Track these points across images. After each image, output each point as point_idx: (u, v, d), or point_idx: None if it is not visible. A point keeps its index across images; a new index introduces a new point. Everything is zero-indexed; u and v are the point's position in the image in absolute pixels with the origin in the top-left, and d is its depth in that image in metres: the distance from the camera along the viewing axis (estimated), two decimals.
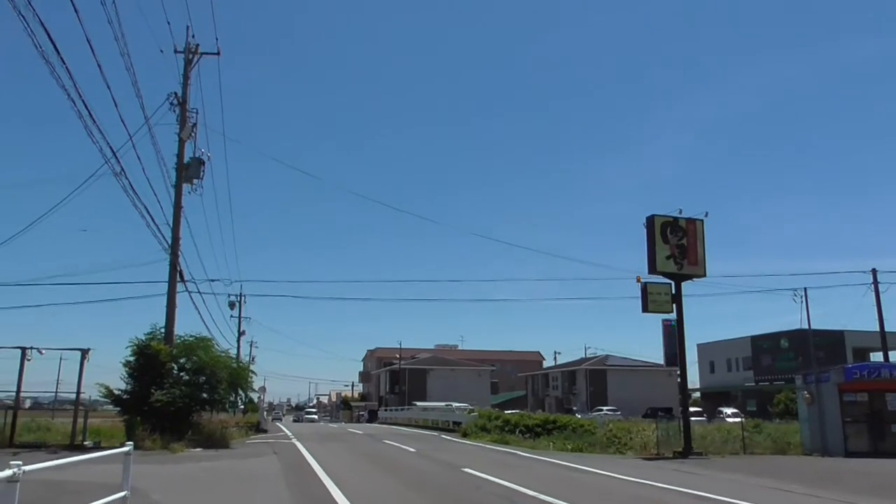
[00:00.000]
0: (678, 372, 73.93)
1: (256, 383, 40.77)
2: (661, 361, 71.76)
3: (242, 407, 50.55)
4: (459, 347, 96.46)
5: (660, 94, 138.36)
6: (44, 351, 18.75)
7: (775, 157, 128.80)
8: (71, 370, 33.98)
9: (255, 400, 55.90)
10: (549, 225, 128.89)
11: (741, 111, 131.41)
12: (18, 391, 18.11)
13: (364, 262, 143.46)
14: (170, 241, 21.09)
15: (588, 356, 78.00)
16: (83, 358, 17.81)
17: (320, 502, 9.44)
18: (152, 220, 18.89)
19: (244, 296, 49.44)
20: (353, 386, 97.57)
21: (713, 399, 61.53)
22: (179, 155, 22.02)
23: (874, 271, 28.38)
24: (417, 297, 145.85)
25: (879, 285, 27.39)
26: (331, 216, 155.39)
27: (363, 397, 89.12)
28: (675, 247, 21.64)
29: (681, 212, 21.70)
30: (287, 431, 32.86)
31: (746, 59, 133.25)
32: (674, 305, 21.18)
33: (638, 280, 21.55)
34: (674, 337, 21.64)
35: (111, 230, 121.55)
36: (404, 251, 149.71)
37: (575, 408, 60.55)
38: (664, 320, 22.08)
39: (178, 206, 21.82)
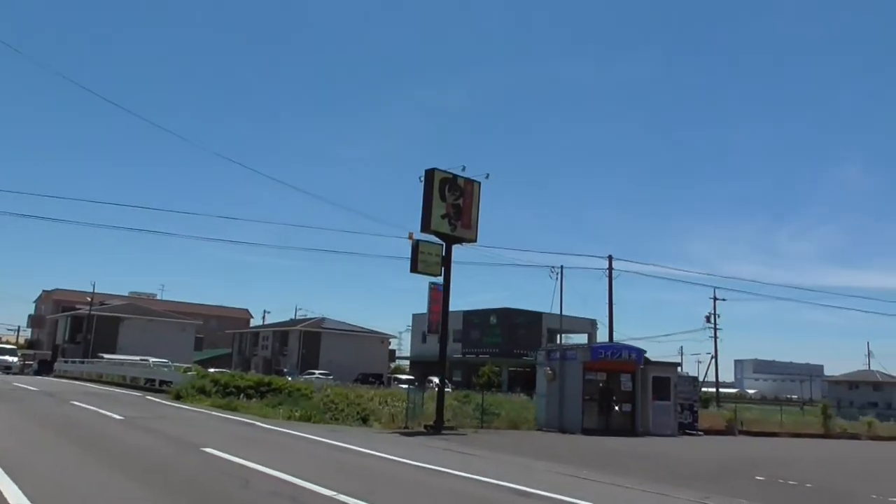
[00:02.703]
0: (394, 340, 72.80)
1: None
2: (377, 329, 72.97)
3: None
4: (159, 297, 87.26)
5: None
6: None
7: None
8: None
9: None
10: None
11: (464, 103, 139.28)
12: None
13: (62, 174, 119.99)
14: None
15: (300, 318, 75.70)
16: None
17: None
18: None
19: None
20: (18, 330, 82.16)
21: (422, 368, 63.47)
22: None
23: (610, 257, 30.62)
24: (119, 226, 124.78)
25: (613, 271, 29.63)
26: (39, 109, 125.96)
27: (31, 345, 75.27)
28: (451, 206, 20.09)
29: (464, 169, 20.23)
30: None
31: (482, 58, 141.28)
32: (443, 269, 19.72)
33: (410, 237, 19.63)
34: (439, 302, 20.14)
35: None
36: (123, 170, 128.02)
37: (285, 369, 57.81)
38: (431, 283, 20.46)
39: None
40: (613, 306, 30.47)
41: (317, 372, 53.57)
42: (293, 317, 78.40)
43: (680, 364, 22.39)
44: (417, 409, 20.09)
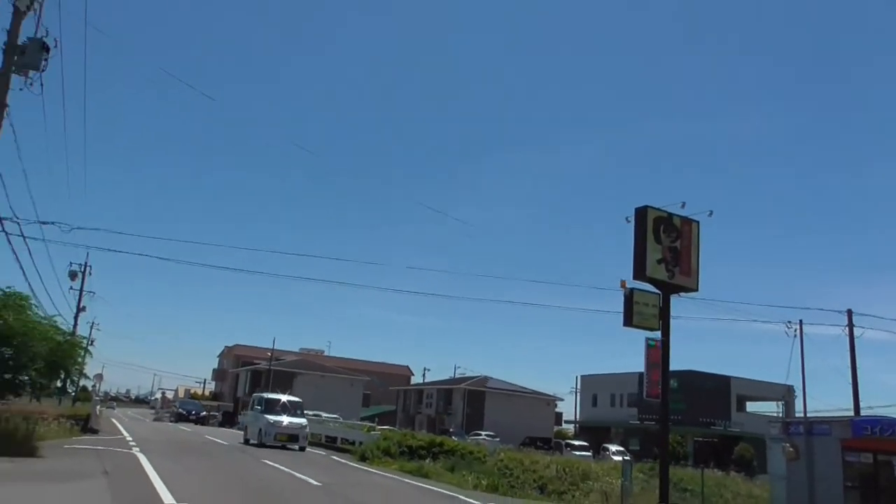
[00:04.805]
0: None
1: (92, 369, 32.80)
2: (539, 389, 69.65)
3: (74, 394, 41.61)
4: (326, 353, 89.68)
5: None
6: None
7: None
8: None
9: (89, 388, 46.71)
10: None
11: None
12: None
13: (248, 230, 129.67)
14: None
15: (459, 376, 74.04)
16: None
17: None
18: None
19: (90, 266, 40.76)
20: (204, 383, 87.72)
21: (592, 434, 59.27)
22: (12, 29, 14.90)
23: (850, 312, 25.98)
24: (305, 276, 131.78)
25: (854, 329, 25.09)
26: (230, 164, 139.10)
27: (215, 397, 79.88)
28: (668, 249, 17.41)
29: (683, 205, 17.58)
30: (125, 434, 25.28)
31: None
32: (660, 322, 16.98)
33: (622, 285, 17.06)
34: (659, 364, 17.33)
35: None
36: (310, 229, 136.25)
37: (451, 429, 55.97)
38: (649, 340, 17.74)
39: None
40: (858, 373, 25.11)
41: (483, 433, 51.69)
42: (452, 375, 77.02)
43: None
44: (629, 487, 17.53)
